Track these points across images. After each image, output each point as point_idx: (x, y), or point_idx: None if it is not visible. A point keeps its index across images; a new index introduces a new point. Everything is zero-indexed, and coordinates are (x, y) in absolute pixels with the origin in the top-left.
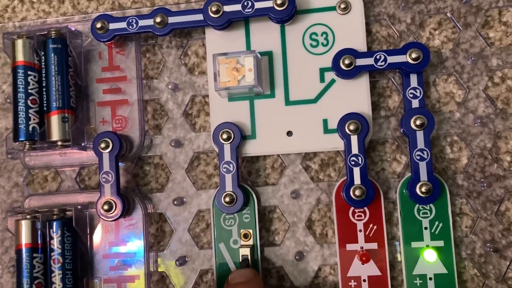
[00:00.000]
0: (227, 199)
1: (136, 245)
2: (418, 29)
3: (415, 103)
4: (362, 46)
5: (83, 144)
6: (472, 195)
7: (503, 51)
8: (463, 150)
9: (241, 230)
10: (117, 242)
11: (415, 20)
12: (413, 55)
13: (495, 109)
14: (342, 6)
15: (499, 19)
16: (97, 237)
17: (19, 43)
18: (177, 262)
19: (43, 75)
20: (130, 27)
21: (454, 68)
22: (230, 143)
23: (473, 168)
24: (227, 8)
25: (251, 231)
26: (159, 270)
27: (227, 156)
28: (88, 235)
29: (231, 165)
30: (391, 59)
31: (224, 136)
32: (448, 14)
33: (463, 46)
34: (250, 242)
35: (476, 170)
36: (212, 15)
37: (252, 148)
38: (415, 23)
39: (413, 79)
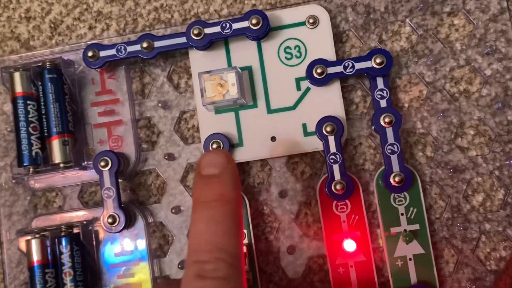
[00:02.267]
0: None
1: (140, 253)
2: (382, 29)
3: (383, 103)
4: (331, 56)
5: (83, 164)
6: (442, 182)
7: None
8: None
9: None
10: (122, 252)
11: (377, 28)
12: (378, 60)
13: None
14: (311, 21)
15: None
16: (103, 249)
17: (17, 75)
18: (179, 266)
19: (42, 103)
20: (119, 53)
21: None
22: None
23: (440, 141)
24: (208, 31)
25: (245, 231)
26: (164, 274)
27: None
28: (95, 248)
29: None
30: (358, 65)
31: (214, 146)
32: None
33: (419, 47)
34: (245, 241)
35: (444, 143)
36: (194, 37)
37: (240, 155)
38: (377, 31)
39: (380, 82)
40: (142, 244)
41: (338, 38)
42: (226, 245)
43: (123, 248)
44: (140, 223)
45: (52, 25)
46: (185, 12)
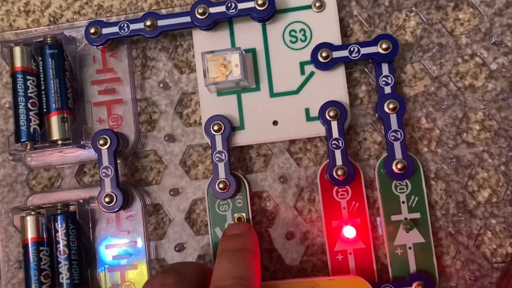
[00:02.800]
0: (221, 186)
1: (136, 234)
2: (387, 23)
3: (388, 90)
4: (337, 40)
5: (81, 142)
6: (447, 177)
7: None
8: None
9: (235, 214)
10: (118, 233)
11: (384, 15)
12: (384, 46)
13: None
14: (317, 4)
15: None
16: (100, 229)
17: (17, 50)
18: (176, 248)
19: (42, 79)
20: (122, 31)
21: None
22: (221, 134)
23: (446, 136)
24: (213, 10)
25: (244, 214)
26: (159, 257)
27: (219, 146)
28: (91, 228)
29: (223, 154)
30: (364, 50)
31: (215, 127)
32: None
33: (424, 41)
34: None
35: (449, 138)
36: (199, 16)
37: (241, 138)
38: (384, 18)
39: (385, 68)
40: (139, 225)
41: (343, 32)
42: (245, 275)
43: (119, 228)
44: (137, 204)
45: (52, 19)
46: (187, 5)
